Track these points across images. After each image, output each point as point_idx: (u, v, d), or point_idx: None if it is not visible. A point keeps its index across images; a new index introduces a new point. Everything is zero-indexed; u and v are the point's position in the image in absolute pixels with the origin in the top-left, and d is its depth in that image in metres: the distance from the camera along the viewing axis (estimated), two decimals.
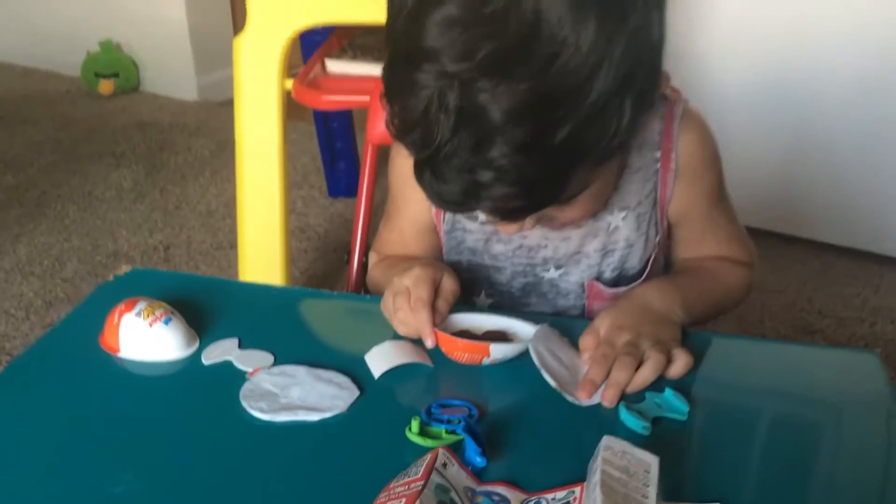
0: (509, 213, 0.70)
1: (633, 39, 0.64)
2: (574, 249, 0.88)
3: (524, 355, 0.73)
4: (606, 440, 0.59)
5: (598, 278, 0.89)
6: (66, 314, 0.84)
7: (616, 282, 0.90)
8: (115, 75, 3.29)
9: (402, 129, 0.68)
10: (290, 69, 1.70)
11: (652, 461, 0.57)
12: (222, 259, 2.15)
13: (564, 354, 0.74)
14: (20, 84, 3.46)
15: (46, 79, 3.51)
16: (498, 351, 0.74)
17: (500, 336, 0.77)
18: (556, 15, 0.61)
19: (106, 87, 3.27)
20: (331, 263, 2.14)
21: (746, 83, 2.13)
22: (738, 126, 2.17)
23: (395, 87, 0.68)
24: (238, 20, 3.32)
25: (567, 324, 0.79)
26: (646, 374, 0.72)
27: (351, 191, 2.42)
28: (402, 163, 0.85)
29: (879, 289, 2.01)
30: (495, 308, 0.89)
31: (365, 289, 1.10)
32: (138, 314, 0.75)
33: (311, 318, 0.88)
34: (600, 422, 0.67)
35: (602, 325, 0.77)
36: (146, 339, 0.75)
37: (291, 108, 1.67)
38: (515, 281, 0.91)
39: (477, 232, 0.89)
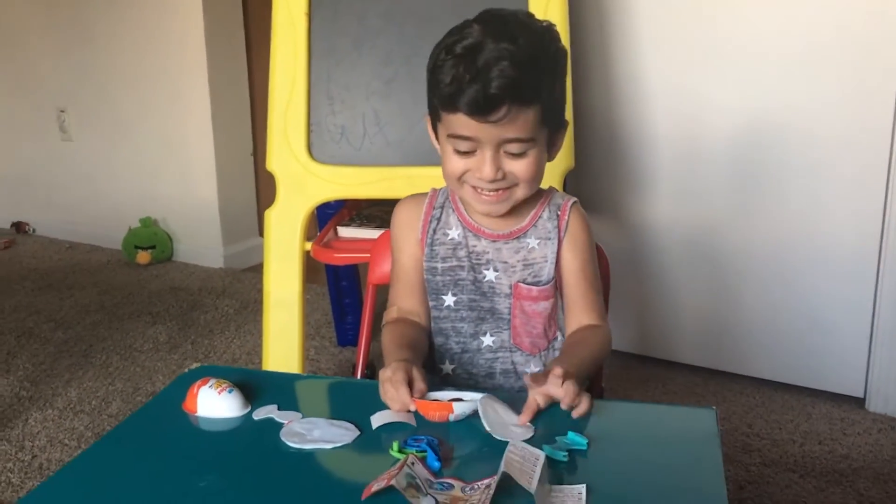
0: (506, 89, 1.13)
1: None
2: (505, 258, 1.32)
3: (477, 413, 1.07)
4: (511, 444, 0.93)
5: (522, 282, 1.32)
6: None
7: (535, 286, 1.31)
8: (153, 247, 3.75)
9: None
10: (307, 236, 2.12)
11: (540, 455, 0.91)
12: None
13: (502, 410, 1.09)
14: (66, 256, 3.92)
15: (89, 252, 3.98)
16: (459, 408, 1.08)
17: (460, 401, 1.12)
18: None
19: (143, 257, 3.73)
20: None
21: (683, 239, 2.54)
22: (682, 279, 2.56)
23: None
24: (262, 197, 3.82)
25: (502, 395, 1.14)
26: (584, 407, 1.09)
27: (358, 340, 2.78)
28: (398, 217, 1.38)
29: (811, 416, 2.34)
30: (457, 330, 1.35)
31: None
32: (210, 386, 1.11)
33: (327, 393, 1.23)
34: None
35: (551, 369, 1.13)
36: (216, 402, 1.10)
37: (307, 272, 2.06)
38: (471, 290, 1.34)
39: (449, 244, 1.35)
